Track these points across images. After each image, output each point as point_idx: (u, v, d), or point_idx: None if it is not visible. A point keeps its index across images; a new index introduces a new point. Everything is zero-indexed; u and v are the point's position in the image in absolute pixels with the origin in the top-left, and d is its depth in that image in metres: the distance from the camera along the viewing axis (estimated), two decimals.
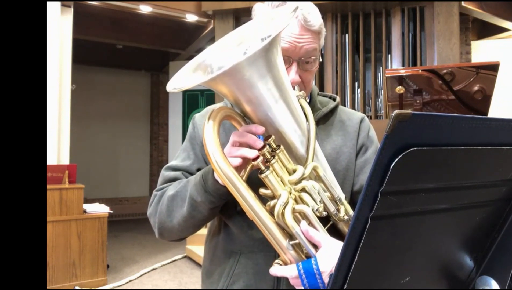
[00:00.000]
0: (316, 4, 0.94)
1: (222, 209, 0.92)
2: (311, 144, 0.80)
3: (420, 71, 2.72)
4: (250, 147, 0.76)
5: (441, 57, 4.21)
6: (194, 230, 0.94)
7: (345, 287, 0.44)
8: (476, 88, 2.58)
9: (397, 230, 0.47)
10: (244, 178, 0.76)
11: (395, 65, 4.36)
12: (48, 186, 3.46)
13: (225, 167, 0.72)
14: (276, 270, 0.76)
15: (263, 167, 0.74)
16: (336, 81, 4.56)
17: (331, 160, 0.94)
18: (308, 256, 0.74)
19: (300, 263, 0.73)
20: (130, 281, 4.11)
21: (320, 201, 0.75)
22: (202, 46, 5.95)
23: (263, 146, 0.75)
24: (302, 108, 0.83)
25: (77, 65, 5.55)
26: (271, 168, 0.73)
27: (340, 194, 0.84)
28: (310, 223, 0.74)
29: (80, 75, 6.38)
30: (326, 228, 0.78)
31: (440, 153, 0.43)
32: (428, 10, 4.35)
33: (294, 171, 0.76)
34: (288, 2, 0.89)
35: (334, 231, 0.86)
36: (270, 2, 0.92)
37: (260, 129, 0.76)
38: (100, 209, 3.99)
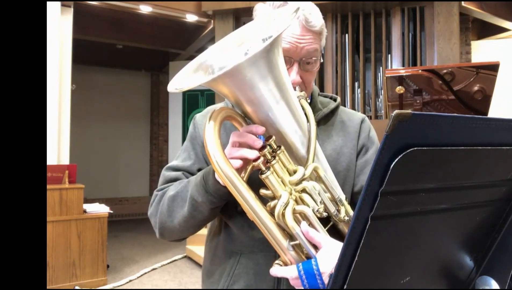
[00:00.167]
0: (316, 4, 0.94)
1: (223, 209, 0.93)
2: (311, 144, 0.80)
3: (420, 71, 2.72)
4: (250, 147, 0.76)
5: (441, 57, 4.21)
6: (195, 230, 0.94)
7: (345, 287, 0.44)
8: (476, 88, 2.58)
9: (397, 230, 0.47)
10: (244, 178, 0.76)
11: (395, 65, 4.36)
12: (48, 186, 3.46)
13: (226, 168, 0.72)
14: (276, 270, 0.76)
15: (263, 168, 0.74)
16: (336, 81, 4.56)
17: (332, 161, 0.94)
18: (309, 257, 0.74)
19: (300, 263, 0.73)
20: (130, 281, 4.11)
21: (320, 202, 0.75)
22: (202, 46, 5.95)
23: (264, 147, 0.75)
24: (303, 108, 0.83)
25: (77, 65, 5.56)
26: (271, 169, 0.73)
27: (340, 194, 0.84)
28: (311, 224, 0.74)
29: (80, 75, 6.39)
30: (326, 229, 0.77)
31: (440, 153, 0.43)
32: (428, 10, 4.35)
33: (295, 171, 0.76)
34: (289, 3, 0.88)
35: (335, 232, 0.86)
36: (271, 3, 0.92)
37: (260, 129, 0.76)
38: (100, 209, 3.99)
